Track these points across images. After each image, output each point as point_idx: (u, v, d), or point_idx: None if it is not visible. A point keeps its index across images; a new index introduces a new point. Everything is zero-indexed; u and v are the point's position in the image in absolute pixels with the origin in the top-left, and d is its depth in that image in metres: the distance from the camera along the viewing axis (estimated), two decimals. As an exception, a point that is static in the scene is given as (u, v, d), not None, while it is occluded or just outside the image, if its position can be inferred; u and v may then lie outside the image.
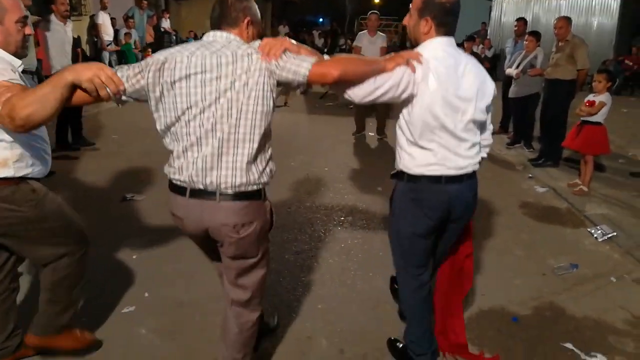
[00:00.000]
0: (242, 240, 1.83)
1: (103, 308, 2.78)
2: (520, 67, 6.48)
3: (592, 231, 4.14)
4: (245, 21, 1.83)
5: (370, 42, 7.04)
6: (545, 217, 4.50)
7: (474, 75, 2.05)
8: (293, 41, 1.81)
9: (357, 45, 7.13)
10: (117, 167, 5.27)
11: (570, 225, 4.36)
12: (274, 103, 1.79)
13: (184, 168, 1.76)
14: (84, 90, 1.66)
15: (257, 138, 1.76)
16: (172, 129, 1.76)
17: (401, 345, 2.49)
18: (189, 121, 1.72)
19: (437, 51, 1.99)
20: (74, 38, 6.22)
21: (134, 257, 3.37)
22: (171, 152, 1.81)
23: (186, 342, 2.53)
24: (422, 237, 2.20)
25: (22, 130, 1.69)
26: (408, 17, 2.11)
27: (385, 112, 6.87)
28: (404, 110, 2.02)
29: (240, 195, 1.78)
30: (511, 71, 6.63)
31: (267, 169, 1.86)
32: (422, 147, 2.04)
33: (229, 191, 1.76)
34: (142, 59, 12.13)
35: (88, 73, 1.63)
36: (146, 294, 2.92)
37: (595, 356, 2.57)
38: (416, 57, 1.94)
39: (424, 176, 2.07)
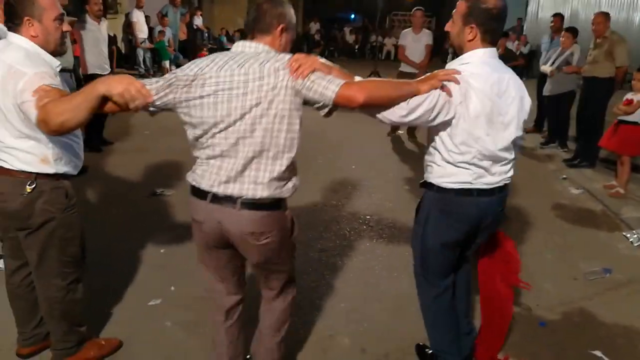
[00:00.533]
0: (263, 247, 1.84)
1: (130, 300, 2.85)
2: (555, 64, 6.30)
3: (628, 235, 4.00)
4: (279, 28, 1.80)
5: (414, 40, 6.81)
6: (579, 220, 4.37)
7: (515, 90, 1.98)
8: (325, 60, 1.78)
9: (401, 44, 6.91)
10: (147, 163, 5.39)
11: (604, 228, 4.22)
12: (300, 121, 1.77)
13: (207, 176, 1.79)
14: (115, 102, 1.72)
15: (282, 156, 1.76)
16: (200, 139, 1.79)
17: (430, 352, 2.43)
18: (214, 134, 1.74)
19: (480, 66, 1.93)
20: (109, 36, 6.38)
21: (162, 251, 3.45)
22: (195, 157, 1.85)
23: (210, 336, 2.55)
24: (448, 249, 2.15)
25: (56, 134, 1.81)
26: (451, 23, 2.04)
27: None
28: (442, 131, 1.96)
29: (260, 206, 1.78)
30: (546, 68, 6.45)
31: (290, 184, 1.86)
32: (457, 167, 1.99)
33: (250, 201, 1.76)
34: (175, 59, 12.40)
35: (119, 87, 1.67)
36: (172, 288, 2.98)
37: (626, 365, 2.49)
38: (452, 78, 1.87)
39: (454, 189, 2.02)
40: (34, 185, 1.98)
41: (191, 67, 1.77)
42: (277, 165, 1.76)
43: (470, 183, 2.00)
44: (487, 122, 1.90)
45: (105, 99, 1.70)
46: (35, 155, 1.97)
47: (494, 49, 2.00)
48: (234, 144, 1.72)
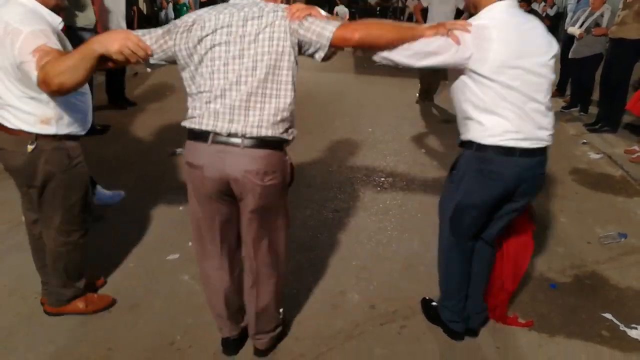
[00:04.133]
0: (267, 189, 1.81)
1: (150, 255, 2.95)
2: (584, 26, 6.05)
3: (647, 201, 3.94)
4: None
5: (441, 2, 6.05)
6: (597, 185, 4.31)
7: (541, 30, 1.95)
8: (322, 12, 1.80)
9: (422, 3, 6.26)
10: (168, 123, 5.43)
11: (623, 193, 4.16)
12: (297, 62, 1.77)
13: (207, 116, 1.75)
14: (114, 60, 1.72)
15: (282, 93, 1.76)
16: (197, 80, 1.78)
17: (434, 304, 2.50)
18: (213, 72, 1.73)
19: (499, 14, 1.88)
20: (130, -4, 6.33)
21: (180, 208, 3.52)
22: (192, 106, 1.81)
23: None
24: (479, 209, 2.09)
25: (58, 95, 1.84)
26: None
27: (437, 78, 6.56)
28: (466, 79, 1.93)
29: (264, 143, 1.76)
30: (574, 30, 6.19)
31: (290, 130, 1.85)
32: (493, 113, 1.91)
33: (255, 138, 1.75)
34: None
35: (115, 45, 1.67)
36: (189, 244, 3.06)
37: (636, 328, 2.50)
38: (463, 27, 1.84)
39: (495, 146, 1.93)
40: (34, 145, 2.00)
41: (189, 15, 1.81)
42: (280, 103, 1.76)
43: (513, 133, 1.91)
44: (510, 60, 1.84)
45: (104, 57, 1.70)
46: (36, 116, 1.98)
47: (514, 1, 1.93)
48: (235, 82, 1.72)
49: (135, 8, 8.94)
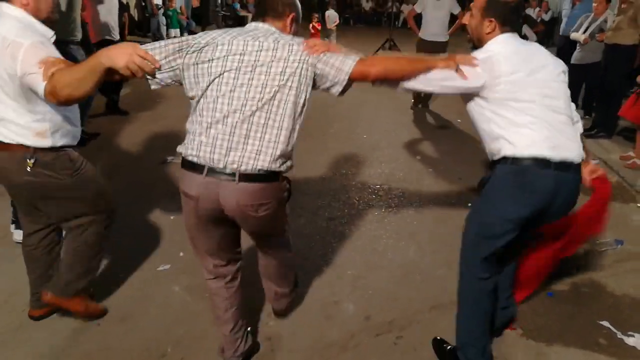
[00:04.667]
0: (260, 219, 1.83)
1: (141, 265, 2.90)
2: (588, 32, 6.01)
3: (643, 207, 3.92)
4: (290, 17, 1.89)
5: (435, 7, 6.04)
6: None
7: (544, 51, 2.06)
8: (340, 46, 1.87)
9: (416, 7, 6.30)
10: (159, 130, 5.41)
11: (619, 199, 4.14)
12: (307, 97, 1.79)
13: (204, 145, 1.73)
14: (121, 74, 1.72)
15: (285, 126, 1.75)
16: (201, 104, 1.76)
17: (449, 347, 2.28)
18: (218, 98, 1.72)
19: (502, 44, 1.98)
20: (121, 3, 6.31)
21: (172, 217, 3.48)
22: (191, 131, 1.79)
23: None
24: (510, 224, 1.96)
25: (64, 105, 1.86)
26: (469, 15, 2.08)
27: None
28: (483, 103, 1.96)
29: (259, 178, 1.75)
30: (578, 36, 6.13)
31: (288, 162, 1.84)
32: (520, 126, 1.90)
33: (249, 173, 1.73)
34: (188, 25, 12.25)
35: (123, 59, 1.66)
36: (181, 254, 3.03)
37: (633, 336, 2.47)
38: (470, 62, 1.91)
39: (530, 158, 1.89)
40: (33, 160, 1.99)
41: (203, 36, 1.80)
42: (280, 136, 1.74)
43: (542, 143, 1.89)
44: (521, 78, 1.90)
45: (111, 70, 1.70)
46: (31, 129, 1.97)
47: (514, 34, 2.03)
48: (238, 110, 1.71)
49: (126, 15, 8.94)
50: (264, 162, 1.73)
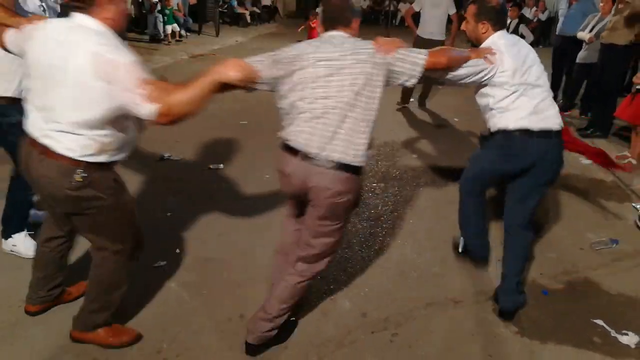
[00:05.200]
0: (336, 205, 2.04)
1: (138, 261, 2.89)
2: (594, 31, 6.02)
3: (638, 206, 3.94)
4: (357, 22, 2.13)
5: (433, 5, 6.08)
6: (588, 190, 4.32)
7: (526, 47, 2.57)
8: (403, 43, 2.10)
9: (414, 6, 6.35)
10: (156, 128, 5.38)
11: (614, 199, 4.17)
12: (381, 94, 2.01)
13: (304, 134, 1.99)
14: (232, 86, 1.91)
15: (371, 120, 2.00)
16: (298, 104, 2.01)
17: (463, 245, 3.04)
18: (316, 99, 1.97)
19: (497, 38, 2.48)
20: None
21: (168, 214, 3.48)
22: (290, 122, 2.05)
23: (212, 297, 2.62)
24: (500, 176, 2.68)
25: (172, 124, 1.83)
26: (465, 23, 2.59)
27: (430, 83, 6.56)
28: (490, 86, 2.44)
29: (347, 167, 1.99)
30: (583, 35, 6.13)
31: (367, 152, 2.06)
32: (513, 107, 2.42)
33: (340, 162, 1.97)
34: (183, 22, 12.19)
35: (236, 73, 1.85)
36: (177, 250, 3.03)
37: (627, 334, 2.49)
38: (489, 52, 2.39)
39: (518, 130, 2.41)
40: (85, 175, 1.88)
41: (290, 49, 2.07)
42: (367, 128, 1.99)
43: (533, 122, 2.40)
44: (517, 66, 2.40)
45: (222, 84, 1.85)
46: (97, 143, 1.86)
47: (504, 30, 2.55)
48: (331, 109, 1.96)
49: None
50: (353, 153, 1.98)
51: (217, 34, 13.64)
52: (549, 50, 7.73)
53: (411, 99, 7.05)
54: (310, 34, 10.41)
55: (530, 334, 2.47)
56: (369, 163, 4.67)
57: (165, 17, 11.57)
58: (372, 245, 3.21)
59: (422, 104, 6.99)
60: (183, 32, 12.46)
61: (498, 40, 2.46)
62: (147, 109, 1.75)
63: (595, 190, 4.33)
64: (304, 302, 2.60)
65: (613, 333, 2.50)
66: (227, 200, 3.72)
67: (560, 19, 7.29)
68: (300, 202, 2.24)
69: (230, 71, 1.84)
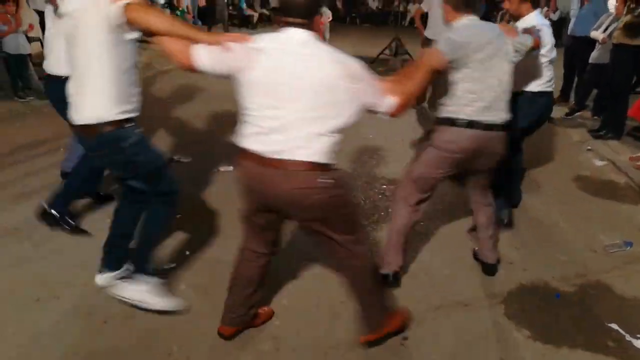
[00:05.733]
0: (492, 162, 2.70)
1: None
2: (608, 32, 5.96)
3: (652, 208, 3.89)
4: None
5: (441, 6, 6.33)
6: (601, 192, 4.26)
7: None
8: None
9: (423, 7, 6.31)
10: (165, 131, 5.42)
11: (627, 201, 4.11)
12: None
13: (484, 109, 2.51)
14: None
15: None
16: (469, 87, 2.53)
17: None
18: (486, 78, 2.55)
19: (539, 18, 3.25)
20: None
21: (178, 216, 3.47)
22: (461, 103, 2.51)
23: (221, 298, 2.60)
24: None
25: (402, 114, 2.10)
26: (508, 2, 3.36)
27: (443, 85, 6.48)
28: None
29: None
30: (597, 34, 6.06)
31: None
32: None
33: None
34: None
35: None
36: (187, 252, 3.03)
37: (641, 338, 2.45)
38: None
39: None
40: (333, 176, 1.95)
41: (462, 35, 2.56)
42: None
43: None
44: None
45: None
46: (333, 145, 1.95)
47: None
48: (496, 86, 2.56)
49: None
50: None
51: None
52: (560, 51, 7.62)
53: (424, 104, 6.96)
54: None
55: (542, 337, 2.44)
56: (378, 165, 4.66)
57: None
58: (381, 248, 3.19)
59: (432, 105, 6.94)
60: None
61: (539, 19, 3.13)
62: (384, 104, 2.01)
63: (607, 192, 4.27)
64: (313, 305, 2.60)
65: (627, 337, 2.46)
66: (237, 203, 3.71)
67: (572, 20, 7.22)
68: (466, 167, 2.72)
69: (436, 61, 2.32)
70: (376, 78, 1.98)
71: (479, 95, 2.49)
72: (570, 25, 7.22)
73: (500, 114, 2.57)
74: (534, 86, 3.29)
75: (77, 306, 2.51)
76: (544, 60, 3.23)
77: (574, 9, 7.54)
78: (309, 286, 2.76)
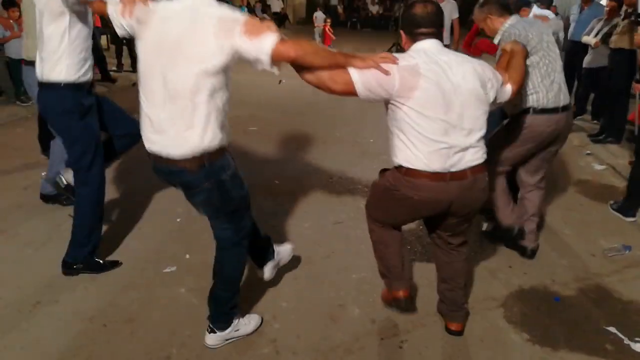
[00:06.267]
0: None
1: (147, 267, 2.92)
2: (599, 36, 6.00)
3: (651, 212, 3.88)
4: None
5: None
6: (601, 196, 4.27)
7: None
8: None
9: None
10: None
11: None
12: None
13: (557, 94, 2.83)
14: None
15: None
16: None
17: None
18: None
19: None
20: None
21: (178, 220, 3.50)
22: (546, 86, 2.80)
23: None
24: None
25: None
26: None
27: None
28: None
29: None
30: (589, 39, 6.11)
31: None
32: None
33: None
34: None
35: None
36: (187, 256, 3.04)
37: (640, 342, 2.45)
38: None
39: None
40: None
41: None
42: None
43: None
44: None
45: None
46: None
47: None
48: None
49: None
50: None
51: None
52: (561, 56, 7.66)
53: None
54: (324, 39, 10.55)
55: (541, 341, 2.44)
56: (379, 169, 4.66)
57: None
58: (381, 251, 3.20)
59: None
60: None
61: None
62: (508, 90, 2.23)
63: (607, 196, 4.27)
64: (312, 309, 2.60)
65: (626, 340, 2.46)
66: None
67: (572, 24, 7.24)
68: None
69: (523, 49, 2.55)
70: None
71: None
72: (570, 29, 7.24)
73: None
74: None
75: (77, 310, 2.52)
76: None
77: (574, 14, 7.54)
78: (308, 289, 2.77)
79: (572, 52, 6.88)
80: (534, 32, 2.74)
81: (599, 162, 5.12)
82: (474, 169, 2.05)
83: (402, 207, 2.17)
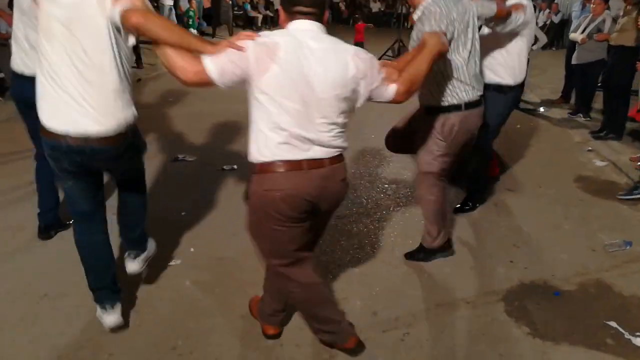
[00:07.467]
0: None
1: (152, 260, 2.93)
2: (586, 32, 6.07)
3: (652, 208, 3.91)
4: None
5: None
6: (602, 192, 4.28)
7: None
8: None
9: None
10: (171, 128, 5.47)
11: (628, 201, 4.12)
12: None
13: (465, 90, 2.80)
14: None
15: None
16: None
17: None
18: None
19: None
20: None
21: (183, 213, 3.53)
22: (460, 83, 2.78)
23: (225, 295, 2.66)
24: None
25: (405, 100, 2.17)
26: None
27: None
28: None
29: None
30: (576, 36, 6.22)
31: None
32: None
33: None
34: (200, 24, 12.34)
35: (445, 45, 2.24)
36: (192, 249, 3.07)
37: (640, 336, 2.48)
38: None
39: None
40: None
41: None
42: None
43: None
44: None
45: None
46: (346, 132, 2.13)
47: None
48: None
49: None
50: None
51: (231, 37, 13.82)
52: (562, 52, 7.69)
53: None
54: (356, 37, 10.58)
55: (542, 335, 2.46)
56: (380, 165, 4.69)
57: (190, 20, 11.78)
58: (383, 246, 3.23)
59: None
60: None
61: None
62: (389, 91, 2.05)
63: (608, 192, 4.29)
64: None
65: (626, 335, 2.48)
66: (240, 201, 3.76)
67: (574, 22, 7.25)
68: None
69: (441, 44, 2.17)
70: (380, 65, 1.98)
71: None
72: (572, 27, 7.25)
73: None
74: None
75: (84, 302, 2.54)
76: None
77: (575, 11, 7.56)
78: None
79: (574, 49, 6.88)
80: (457, 12, 2.55)
81: (600, 158, 5.14)
82: (332, 159, 1.95)
83: (273, 219, 1.91)
